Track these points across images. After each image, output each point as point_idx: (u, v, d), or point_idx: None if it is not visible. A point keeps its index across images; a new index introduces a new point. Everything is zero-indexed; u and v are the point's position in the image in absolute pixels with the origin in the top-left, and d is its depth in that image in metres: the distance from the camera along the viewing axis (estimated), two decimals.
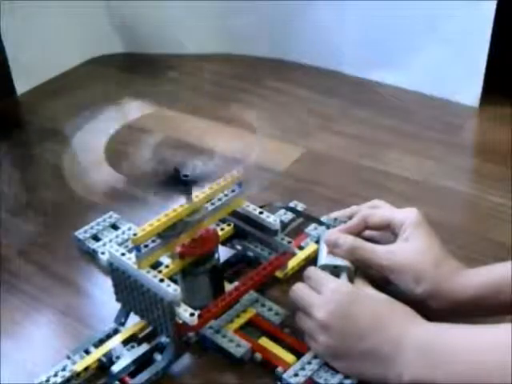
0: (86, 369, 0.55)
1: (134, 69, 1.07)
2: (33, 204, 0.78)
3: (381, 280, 0.57)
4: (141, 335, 0.59)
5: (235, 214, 0.62)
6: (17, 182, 0.82)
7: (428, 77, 0.94)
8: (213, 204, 0.59)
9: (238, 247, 0.66)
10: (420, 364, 0.48)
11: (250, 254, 0.65)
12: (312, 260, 0.64)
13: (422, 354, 0.48)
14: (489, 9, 0.84)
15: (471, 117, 0.91)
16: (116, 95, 0.99)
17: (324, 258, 0.59)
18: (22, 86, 0.99)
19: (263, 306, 0.60)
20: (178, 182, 0.55)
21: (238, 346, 0.56)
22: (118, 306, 0.59)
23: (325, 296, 0.53)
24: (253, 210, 0.62)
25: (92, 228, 0.70)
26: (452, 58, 0.90)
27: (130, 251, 0.56)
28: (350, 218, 0.63)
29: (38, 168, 0.86)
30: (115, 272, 0.56)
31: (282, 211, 0.71)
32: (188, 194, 0.56)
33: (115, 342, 0.57)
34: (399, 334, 0.50)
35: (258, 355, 0.56)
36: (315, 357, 0.54)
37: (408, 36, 0.93)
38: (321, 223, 0.67)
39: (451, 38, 0.89)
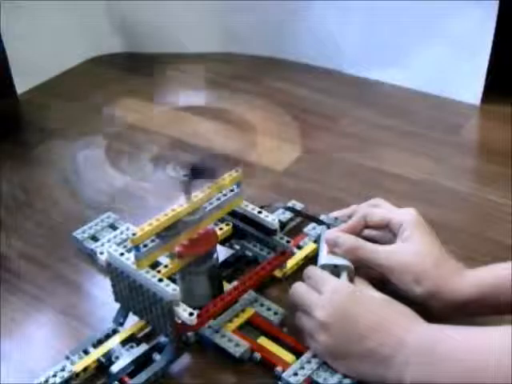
0: (85, 369, 0.55)
1: (134, 69, 1.07)
2: (33, 204, 0.78)
3: (381, 280, 0.57)
4: (140, 335, 0.59)
5: (234, 214, 0.62)
6: (17, 182, 0.82)
7: (429, 76, 0.94)
8: (211, 204, 0.59)
9: (237, 247, 0.66)
10: (420, 365, 0.48)
11: (249, 253, 0.65)
12: (311, 259, 0.64)
13: (422, 355, 0.48)
14: (491, 8, 0.84)
15: (472, 116, 0.90)
16: (116, 95, 0.99)
17: (324, 258, 0.59)
18: (22, 85, 0.99)
19: (262, 305, 0.60)
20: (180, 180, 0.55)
21: (237, 345, 0.56)
22: (117, 305, 0.59)
23: (325, 296, 0.53)
24: (251, 209, 0.61)
25: (90, 228, 0.70)
26: (453, 56, 0.90)
27: (128, 251, 0.56)
28: (350, 217, 0.63)
29: (38, 168, 0.86)
30: (114, 272, 0.56)
31: (281, 210, 0.71)
32: (187, 193, 0.56)
33: (114, 342, 0.57)
34: (399, 335, 0.50)
35: (257, 355, 0.56)
36: (314, 356, 0.54)
37: (409, 35, 0.93)
38: (320, 222, 0.67)
39: (452, 37, 0.89)
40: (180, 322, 0.54)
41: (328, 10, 0.98)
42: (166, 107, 0.96)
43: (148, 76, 1.04)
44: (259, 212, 0.61)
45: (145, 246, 0.55)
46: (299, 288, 0.56)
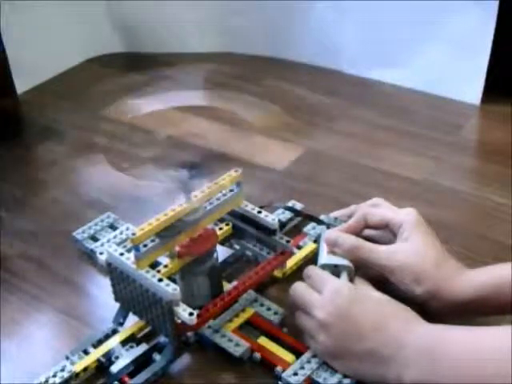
0: (85, 369, 0.55)
1: (134, 69, 1.07)
2: (33, 204, 0.78)
3: (381, 280, 0.57)
4: (140, 335, 0.58)
5: (234, 214, 0.62)
6: (17, 182, 0.82)
7: (429, 75, 0.94)
8: (211, 204, 0.59)
9: (237, 247, 0.66)
10: (420, 365, 0.48)
11: (249, 253, 0.65)
12: (311, 259, 0.64)
13: (422, 356, 0.48)
14: (491, 8, 0.84)
15: (472, 115, 0.90)
16: (116, 95, 0.99)
17: (324, 258, 0.59)
18: (22, 85, 0.99)
19: (262, 305, 0.60)
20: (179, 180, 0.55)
21: (236, 345, 0.56)
22: (117, 305, 0.59)
23: (325, 296, 0.53)
24: (251, 209, 0.61)
25: (90, 228, 0.70)
26: (453, 56, 0.90)
27: (128, 251, 0.56)
28: (350, 217, 0.63)
29: (38, 168, 0.86)
30: (114, 272, 0.56)
31: (281, 210, 0.71)
32: (187, 193, 0.56)
33: (114, 342, 0.57)
34: (399, 335, 0.50)
35: (257, 355, 0.56)
36: (314, 356, 0.54)
37: (409, 34, 0.93)
38: (320, 222, 0.67)
39: (453, 37, 0.89)
40: (180, 321, 0.54)
41: (328, 9, 0.98)
42: (166, 107, 0.96)
43: (148, 76, 1.04)
44: (259, 212, 0.61)
45: (145, 245, 0.55)
46: (299, 288, 0.56)
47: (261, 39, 1.05)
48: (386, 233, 0.60)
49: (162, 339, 0.57)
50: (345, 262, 0.58)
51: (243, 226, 0.62)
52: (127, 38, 1.10)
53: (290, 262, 0.64)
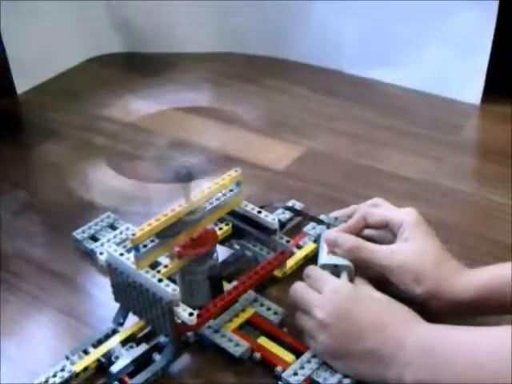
0: (85, 369, 0.55)
1: (134, 69, 1.07)
2: (33, 204, 0.78)
3: (381, 280, 0.57)
4: (139, 335, 0.58)
5: (234, 214, 0.62)
6: (17, 182, 0.82)
7: (429, 76, 0.94)
8: (211, 204, 0.59)
9: (237, 247, 0.66)
10: (420, 365, 0.48)
11: (249, 253, 0.65)
12: (311, 259, 0.64)
13: (422, 355, 0.48)
14: (491, 8, 0.84)
15: (472, 115, 0.90)
16: (116, 95, 0.99)
17: (324, 258, 0.59)
18: (22, 85, 0.99)
19: (262, 305, 0.60)
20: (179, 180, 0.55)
21: (236, 345, 0.56)
22: (117, 305, 0.59)
23: (325, 296, 0.53)
24: (251, 209, 0.61)
25: (90, 228, 0.70)
26: (453, 56, 0.90)
27: (128, 251, 0.56)
28: (350, 217, 0.63)
29: (38, 168, 0.86)
30: (114, 272, 0.56)
31: (281, 210, 0.71)
32: (187, 193, 0.56)
33: (114, 342, 0.57)
34: (399, 335, 0.50)
35: (257, 354, 0.56)
36: (314, 356, 0.54)
37: (409, 34, 0.93)
38: (320, 222, 0.67)
39: (453, 37, 0.89)
40: (180, 322, 0.54)
41: (328, 9, 0.98)
42: (166, 107, 0.96)
43: (148, 76, 1.04)
44: (259, 212, 0.61)
45: (144, 246, 0.55)
46: (299, 287, 0.56)
47: (261, 39, 1.05)
48: (386, 233, 0.60)
49: (162, 339, 0.57)
50: (345, 261, 0.58)
51: (243, 226, 0.62)
52: (127, 38, 1.10)
53: (290, 262, 0.64)
